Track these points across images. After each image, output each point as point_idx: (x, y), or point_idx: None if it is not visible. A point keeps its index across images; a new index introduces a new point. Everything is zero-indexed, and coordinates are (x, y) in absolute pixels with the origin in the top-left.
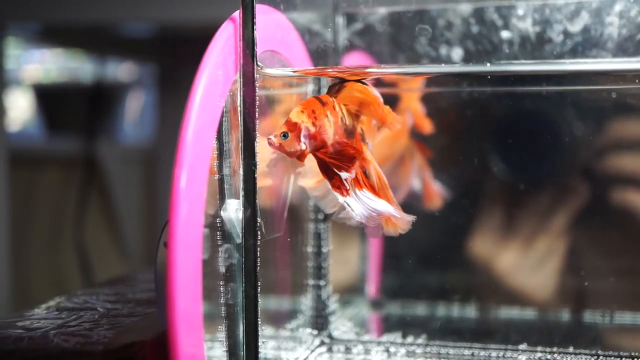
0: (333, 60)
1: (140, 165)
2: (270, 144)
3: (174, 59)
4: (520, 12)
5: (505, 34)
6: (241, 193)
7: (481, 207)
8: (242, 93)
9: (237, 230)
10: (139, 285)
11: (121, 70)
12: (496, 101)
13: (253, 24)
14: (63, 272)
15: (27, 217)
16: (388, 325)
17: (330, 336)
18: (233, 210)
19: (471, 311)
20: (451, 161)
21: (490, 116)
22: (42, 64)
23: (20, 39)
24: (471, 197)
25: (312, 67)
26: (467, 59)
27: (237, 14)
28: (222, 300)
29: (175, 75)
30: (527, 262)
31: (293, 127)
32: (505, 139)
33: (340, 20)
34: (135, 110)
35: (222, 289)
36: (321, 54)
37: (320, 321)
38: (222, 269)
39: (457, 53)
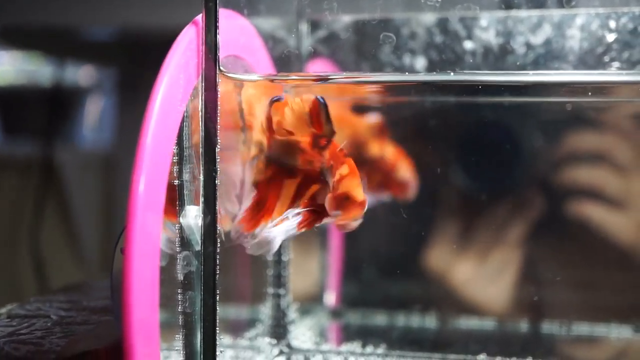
0: (297, 67)
1: (99, 170)
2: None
3: (135, 64)
4: (483, 23)
5: (468, 45)
6: (201, 199)
7: (439, 217)
8: (203, 98)
9: (197, 237)
10: (94, 293)
11: (80, 74)
12: (456, 111)
13: (216, 28)
14: (17, 278)
15: None
16: (348, 334)
17: (289, 345)
18: (192, 217)
19: (431, 321)
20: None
21: (449, 127)
22: None
23: None
24: (429, 206)
25: (276, 73)
26: (431, 68)
27: (199, 18)
28: (179, 309)
29: (136, 80)
30: (483, 273)
31: None
32: (464, 149)
33: (305, 27)
34: (95, 115)
35: (180, 297)
36: (285, 61)
37: (279, 330)
38: (181, 277)
39: (420, 62)
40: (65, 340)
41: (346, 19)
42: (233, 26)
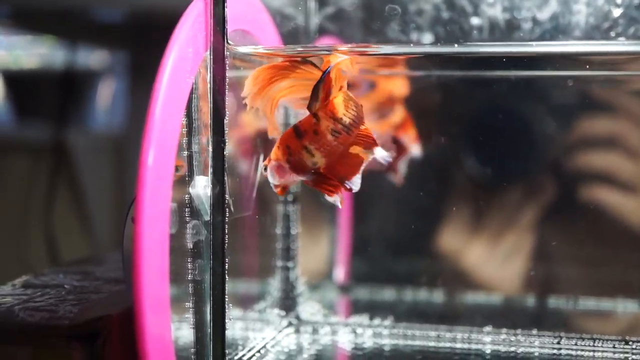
0: (305, 43)
1: (110, 153)
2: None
3: (147, 47)
4: None
5: (475, 21)
6: (210, 170)
7: (450, 198)
8: (211, 70)
9: (206, 207)
10: (107, 264)
11: (92, 57)
12: (468, 91)
13: (224, 1)
14: (31, 259)
15: None
16: (356, 308)
17: (298, 318)
18: (201, 187)
19: (438, 296)
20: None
21: (461, 107)
22: (11, 49)
23: None
24: (440, 186)
25: (284, 46)
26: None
27: None
28: (189, 277)
29: (148, 62)
30: (494, 256)
31: (269, 162)
32: (476, 131)
33: (312, 4)
34: (106, 98)
35: (189, 265)
36: (293, 37)
37: (288, 303)
38: (190, 245)
39: (427, 38)
40: (78, 307)
41: None
42: (241, 1)
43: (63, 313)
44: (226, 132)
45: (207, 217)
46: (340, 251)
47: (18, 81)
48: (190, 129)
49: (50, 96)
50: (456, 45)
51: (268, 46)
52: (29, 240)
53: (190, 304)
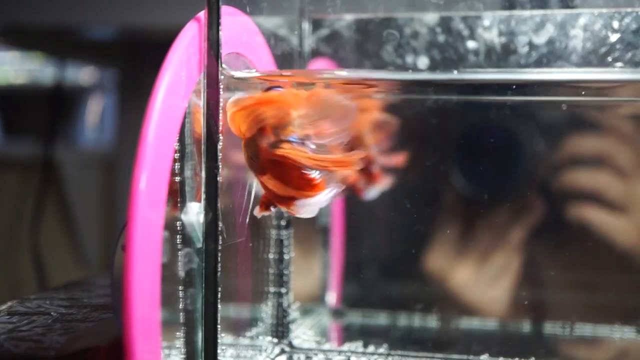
0: (299, 66)
1: (99, 170)
2: None
3: (136, 63)
4: (486, 22)
5: (471, 44)
6: (202, 196)
7: (438, 219)
8: (205, 95)
9: (198, 234)
10: (95, 290)
11: (82, 73)
12: (455, 112)
13: (218, 24)
14: (18, 278)
15: None
16: (349, 334)
17: (290, 345)
18: (194, 214)
19: (432, 321)
20: (410, 171)
21: (449, 127)
22: (0, 66)
23: None
24: (430, 206)
25: (278, 70)
26: (433, 67)
27: (202, 14)
28: (180, 306)
29: (137, 79)
30: (483, 276)
31: None
32: (464, 150)
33: (307, 26)
34: (96, 115)
35: (181, 294)
36: (287, 60)
37: (280, 329)
38: (182, 274)
39: (423, 62)
40: (65, 337)
41: (348, 17)
42: (235, 23)
43: (49, 344)
44: (219, 157)
45: (199, 245)
46: (333, 275)
47: (6, 97)
48: (183, 153)
49: (39, 112)
50: (454, 71)
51: (263, 70)
52: (15, 259)
53: (182, 333)
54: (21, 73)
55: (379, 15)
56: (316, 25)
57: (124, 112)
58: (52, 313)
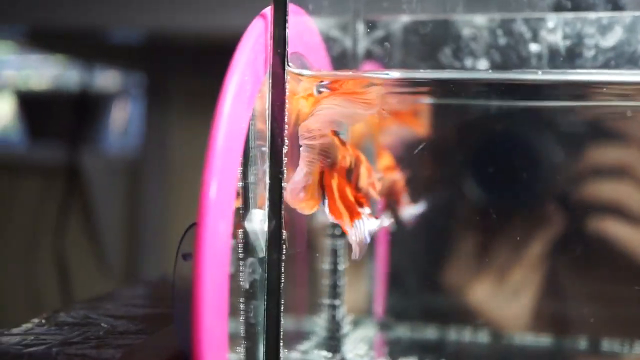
0: (353, 68)
1: (124, 176)
2: None
3: (162, 68)
4: (550, 24)
5: (533, 47)
6: (266, 203)
7: (458, 232)
8: (270, 96)
9: (261, 243)
10: (135, 300)
11: (107, 78)
12: (470, 121)
13: (285, 21)
14: (41, 284)
15: (5, 227)
16: (399, 348)
17: (343, 359)
18: (258, 222)
19: (483, 336)
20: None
21: (463, 135)
22: (25, 70)
23: (2, 43)
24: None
25: (346, 72)
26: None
27: (267, 11)
28: (242, 319)
29: (163, 84)
30: (502, 293)
31: None
32: (480, 161)
33: (361, 27)
34: (121, 120)
35: (243, 306)
36: (340, 62)
37: (333, 343)
38: (247, 285)
39: (482, 65)
40: (120, 350)
41: (404, 19)
42: (298, 22)
43: (106, 357)
44: (284, 162)
45: (262, 254)
46: (379, 286)
47: (31, 102)
48: (247, 158)
49: (63, 117)
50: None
51: (329, 72)
52: (38, 267)
53: (242, 348)
54: (45, 77)
55: (436, 16)
56: (371, 26)
57: (149, 118)
58: (102, 324)
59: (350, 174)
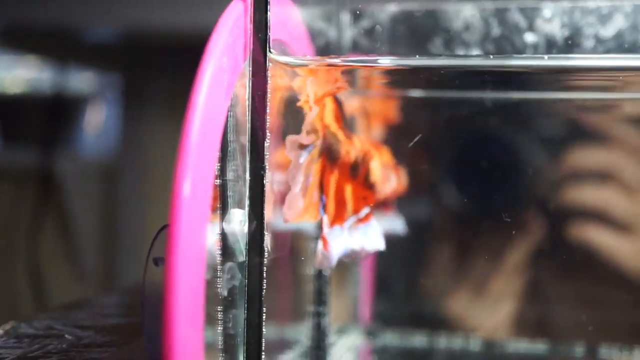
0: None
1: (100, 180)
2: None
3: (139, 69)
4: (546, 13)
5: (529, 37)
6: (247, 202)
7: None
8: (250, 84)
9: (241, 246)
10: (108, 308)
11: (82, 79)
12: (447, 117)
13: (267, 3)
14: (13, 293)
15: None
16: (387, 357)
17: None
18: (237, 223)
19: (475, 344)
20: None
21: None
22: None
23: None
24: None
25: (333, 56)
26: None
27: None
28: (219, 329)
29: (141, 86)
30: (481, 302)
31: None
32: (456, 164)
33: (346, 17)
34: (96, 123)
35: (221, 315)
36: (324, 54)
37: (318, 353)
38: (224, 292)
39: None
40: None
41: (392, 8)
42: (280, 8)
43: None
44: (266, 157)
45: (241, 258)
46: (365, 292)
47: (4, 104)
48: (225, 152)
49: (37, 120)
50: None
51: (313, 57)
52: (10, 273)
53: None
54: (18, 78)
55: (426, 5)
56: (356, 16)
57: (126, 120)
58: (66, 336)
59: (356, 170)
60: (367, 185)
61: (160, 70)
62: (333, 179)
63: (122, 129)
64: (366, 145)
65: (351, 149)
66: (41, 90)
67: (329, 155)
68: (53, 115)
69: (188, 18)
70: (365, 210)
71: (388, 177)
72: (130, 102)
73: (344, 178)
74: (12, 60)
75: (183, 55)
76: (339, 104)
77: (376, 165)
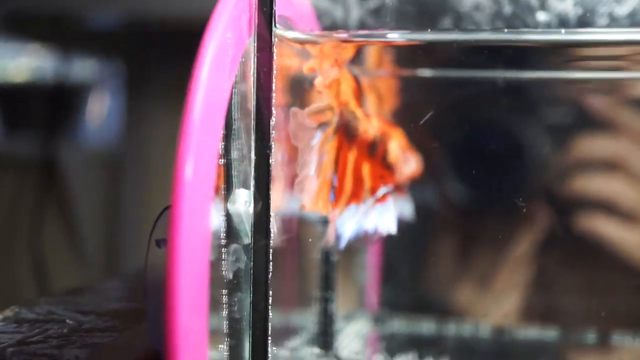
0: None
1: (103, 170)
2: None
3: (143, 57)
4: None
5: (541, 16)
6: (252, 182)
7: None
8: (255, 60)
9: (246, 227)
10: (111, 293)
11: (85, 67)
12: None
13: None
14: (17, 281)
15: None
16: (397, 344)
17: (336, 357)
18: (242, 203)
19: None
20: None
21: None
22: None
23: None
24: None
25: (342, 33)
26: None
27: None
28: (224, 314)
29: (144, 74)
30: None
31: None
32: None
33: None
34: (99, 112)
35: (225, 299)
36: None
37: (325, 339)
38: (229, 275)
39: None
40: (86, 350)
41: None
42: None
43: (67, 358)
44: (272, 135)
45: (247, 241)
46: (373, 278)
47: (6, 92)
48: (230, 131)
49: (39, 108)
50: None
51: (320, 32)
52: (13, 262)
53: (225, 346)
54: (20, 67)
55: None
56: None
57: (130, 109)
58: (67, 321)
59: (375, 149)
60: (385, 164)
61: (164, 58)
62: (351, 157)
63: (125, 117)
64: (384, 124)
65: (369, 127)
66: (43, 78)
67: (347, 133)
68: (55, 103)
69: (192, 5)
70: (384, 190)
71: (406, 159)
72: (133, 90)
73: (362, 156)
74: (14, 48)
75: (187, 43)
76: (357, 82)
77: (395, 145)
